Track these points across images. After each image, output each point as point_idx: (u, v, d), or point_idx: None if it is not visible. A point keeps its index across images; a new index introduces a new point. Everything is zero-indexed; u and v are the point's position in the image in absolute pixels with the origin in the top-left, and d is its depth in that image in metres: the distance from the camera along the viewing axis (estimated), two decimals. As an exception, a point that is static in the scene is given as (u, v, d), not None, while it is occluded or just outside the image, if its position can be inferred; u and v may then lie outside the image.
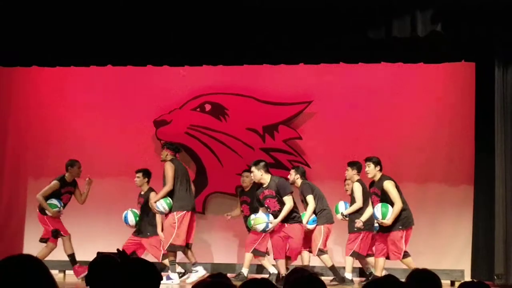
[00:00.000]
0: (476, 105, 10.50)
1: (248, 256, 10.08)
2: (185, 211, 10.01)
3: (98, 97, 11.99)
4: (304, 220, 10.11)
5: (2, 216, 11.85)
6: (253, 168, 9.78)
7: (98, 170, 11.30)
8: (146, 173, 10.54)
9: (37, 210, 10.52)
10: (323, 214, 10.35)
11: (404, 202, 9.51)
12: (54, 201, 10.38)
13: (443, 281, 4.46)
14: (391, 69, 11.15)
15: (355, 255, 10.12)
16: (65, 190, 10.53)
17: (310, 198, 10.26)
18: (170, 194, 10.02)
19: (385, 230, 9.52)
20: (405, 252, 9.52)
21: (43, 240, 10.53)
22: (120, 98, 11.95)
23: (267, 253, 10.39)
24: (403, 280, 3.78)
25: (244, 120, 11.81)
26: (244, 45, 9.81)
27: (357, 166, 10.18)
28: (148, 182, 10.51)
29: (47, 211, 10.38)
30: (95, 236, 11.40)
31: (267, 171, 9.84)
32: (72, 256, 10.42)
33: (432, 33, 9.06)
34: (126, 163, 11.54)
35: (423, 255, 10.71)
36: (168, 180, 10.02)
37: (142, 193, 10.52)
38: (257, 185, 10.03)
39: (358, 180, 10.20)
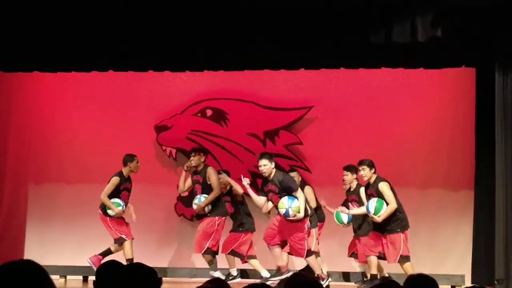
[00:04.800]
0: (477, 110, 10.51)
1: (229, 257, 10.23)
2: (224, 217, 10.38)
3: (99, 103, 12.00)
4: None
5: (2, 221, 11.85)
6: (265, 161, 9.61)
7: (99, 175, 11.30)
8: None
9: (99, 212, 10.48)
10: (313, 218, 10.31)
11: (399, 205, 9.51)
12: (116, 200, 10.38)
13: (443, 286, 4.47)
14: (391, 74, 11.17)
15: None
16: (123, 187, 10.52)
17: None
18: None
19: (382, 231, 9.50)
20: (407, 256, 9.49)
21: (118, 241, 10.51)
22: (121, 104, 11.96)
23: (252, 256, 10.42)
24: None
25: (245, 125, 11.81)
26: (245, 50, 9.82)
27: (356, 169, 10.19)
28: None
29: (110, 212, 10.36)
30: (100, 241, 11.40)
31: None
32: (130, 261, 10.36)
33: (432, 38, 9.07)
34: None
35: (424, 260, 10.70)
36: (216, 185, 10.26)
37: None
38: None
39: (358, 184, 10.20)
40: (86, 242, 11.33)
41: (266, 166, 9.44)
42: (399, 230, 9.44)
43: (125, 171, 10.55)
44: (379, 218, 9.35)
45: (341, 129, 11.57)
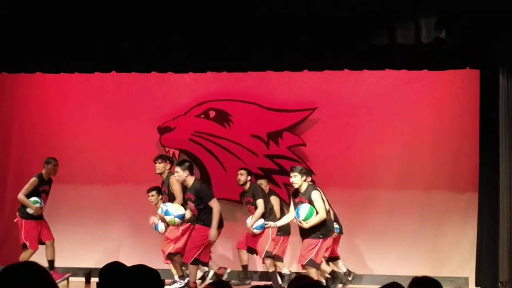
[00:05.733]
0: (481, 111, 10.49)
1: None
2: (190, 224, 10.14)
3: (102, 104, 12.00)
4: (250, 223, 10.19)
5: (5, 222, 11.85)
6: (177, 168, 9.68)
7: (101, 176, 11.30)
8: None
9: (17, 214, 10.49)
10: (271, 219, 10.31)
11: (327, 213, 9.52)
12: (34, 198, 10.41)
13: (447, 288, 4.45)
14: (395, 76, 11.16)
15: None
16: (42, 189, 10.54)
17: (260, 202, 10.24)
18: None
19: (303, 235, 9.55)
20: (313, 261, 9.41)
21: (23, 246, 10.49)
22: (124, 105, 11.95)
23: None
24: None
25: (248, 127, 11.81)
26: (248, 52, 9.80)
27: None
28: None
29: (29, 210, 10.37)
30: (96, 243, 11.41)
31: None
32: (51, 263, 10.44)
33: (436, 40, 9.05)
34: (130, 170, 11.56)
35: (427, 262, 10.69)
36: (177, 193, 10.05)
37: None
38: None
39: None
40: (89, 243, 11.33)
41: (178, 173, 9.59)
42: (321, 236, 9.43)
43: (44, 173, 10.55)
44: (306, 225, 9.37)
45: (344, 130, 11.55)
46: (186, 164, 9.76)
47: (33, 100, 12.15)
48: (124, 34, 9.63)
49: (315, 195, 9.42)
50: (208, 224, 9.51)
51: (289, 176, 9.63)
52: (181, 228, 9.95)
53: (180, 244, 9.90)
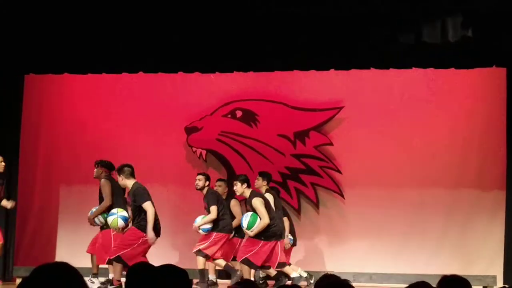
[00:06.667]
0: (508, 110, 10.43)
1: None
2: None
3: (129, 104, 12.05)
4: (198, 224, 10.11)
5: (34, 222, 11.94)
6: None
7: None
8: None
9: None
10: (221, 223, 10.22)
11: (273, 217, 9.52)
12: None
13: (475, 287, 4.44)
14: (422, 74, 11.10)
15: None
16: None
17: (213, 209, 10.15)
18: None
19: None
20: (251, 263, 9.49)
21: None
22: (151, 105, 12.00)
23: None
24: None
25: (275, 126, 11.80)
26: (275, 51, 9.82)
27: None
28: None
29: None
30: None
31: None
32: None
33: (463, 38, 9.02)
34: (157, 170, 11.60)
35: (455, 261, 10.64)
36: (106, 195, 9.99)
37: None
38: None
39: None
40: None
41: (119, 178, 9.56)
42: (262, 238, 9.48)
43: None
44: (251, 233, 9.46)
45: (371, 129, 11.51)
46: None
47: (61, 101, 12.22)
48: (151, 35, 9.69)
49: (256, 203, 9.51)
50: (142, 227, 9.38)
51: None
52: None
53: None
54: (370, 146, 11.44)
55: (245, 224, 9.55)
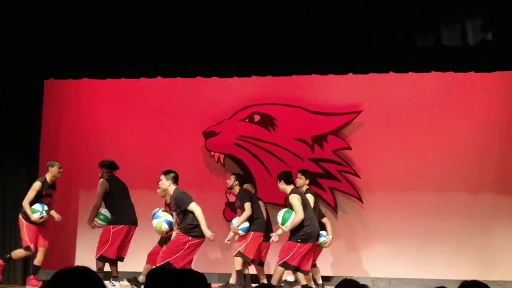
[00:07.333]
0: (528, 114, 10.38)
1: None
2: (122, 225, 10.29)
3: (148, 109, 12.09)
4: (236, 224, 10.23)
5: (54, 227, 11.98)
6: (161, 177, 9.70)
7: (148, 181, 11.36)
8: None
9: (20, 215, 10.50)
10: (257, 222, 10.33)
11: (310, 218, 9.57)
12: (37, 206, 10.33)
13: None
14: (441, 78, 11.06)
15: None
16: (46, 193, 10.52)
17: (247, 206, 10.25)
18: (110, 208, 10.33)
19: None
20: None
21: (26, 249, 10.47)
22: (170, 110, 12.03)
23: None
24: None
25: (293, 131, 11.80)
26: (293, 55, 9.81)
27: (307, 174, 10.43)
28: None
29: (35, 215, 10.32)
30: (149, 245, 11.48)
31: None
32: (37, 268, 10.48)
33: (482, 41, 8.97)
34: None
35: (476, 266, 10.58)
36: (97, 196, 10.29)
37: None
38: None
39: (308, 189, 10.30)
40: (135, 247, 11.39)
41: (162, 182, 9.61)
42: (299, 240, 9.53)
43: (48, 176, 10.57)
44: (286, 228, 9.51)
45: (390, 133, 11.48)
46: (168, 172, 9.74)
47: (80, 105, 12.28)
48: (169, 40, 9.71)
49: (292, 198, 9.57)
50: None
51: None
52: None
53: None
54: (388, 150, 11.41)
55: (279, 219, 9.58)
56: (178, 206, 9.42)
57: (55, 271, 2.75)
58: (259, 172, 11.83)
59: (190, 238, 9.33)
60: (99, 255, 10.20)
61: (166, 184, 9.59)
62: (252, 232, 10.26)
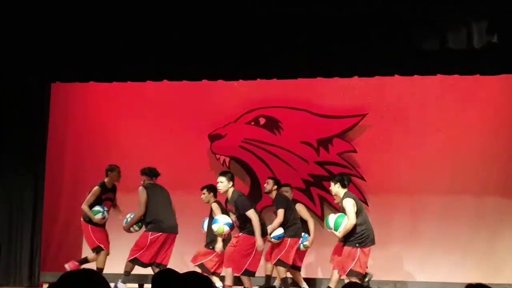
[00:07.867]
0: (534, 116, 10.36)
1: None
2: (160, 233, 10.21)
3: (154, 112, 12.10)
4: (269, 231, 9.98)
5: (61, 228, 12.02)
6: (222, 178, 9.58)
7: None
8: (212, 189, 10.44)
9: (81, 219, 10.62)
10: (293, 229, 10.20)
11: (365, 222, 9.48)
12: (97, 207, 10.45)
13: (501, 296, 4.40)
14: (447, 81, 11.05)
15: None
16: (105, 197, 10.62)
17: (280, 212, 10.14)
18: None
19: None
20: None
21: (96, 250, 10.62)
22: (175, 113, 12.05)
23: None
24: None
25: (298, 134, 11.80)
26: (298, 58, 9.82)
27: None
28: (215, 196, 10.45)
29: (98, 216, 10.45)
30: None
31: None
32: (100, 271, 10.45)
33: (488, 44, 8.97)
34: (181, 177, 11.62)
35: (481, 269, 10.56)
36: (140, 204, 10.24)
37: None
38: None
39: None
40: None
41: (223, 184, 9.48)
42: (357, 245, 9.45)
43: (107, 181, 10.62)
44: (339, 234, 9.39)
45: (395, 136, 11.48)
46: (230, 174, 9.73)
47: (87, 108, 12.30)
48: (175, 43, 9.73)
49: (345, 203, 9.40)
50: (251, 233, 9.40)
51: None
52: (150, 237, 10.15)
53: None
54: (394, 153, 11.40)
55: (331, 224, 9.45)
56: (238, 209, 9.39)
57: (61, 273, 2.76)
58: (265, 175, 11.81)
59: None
60: (132, 257, 10.15)
61: (228, 186, 9.51)
62: (289, 239, 10.12)
